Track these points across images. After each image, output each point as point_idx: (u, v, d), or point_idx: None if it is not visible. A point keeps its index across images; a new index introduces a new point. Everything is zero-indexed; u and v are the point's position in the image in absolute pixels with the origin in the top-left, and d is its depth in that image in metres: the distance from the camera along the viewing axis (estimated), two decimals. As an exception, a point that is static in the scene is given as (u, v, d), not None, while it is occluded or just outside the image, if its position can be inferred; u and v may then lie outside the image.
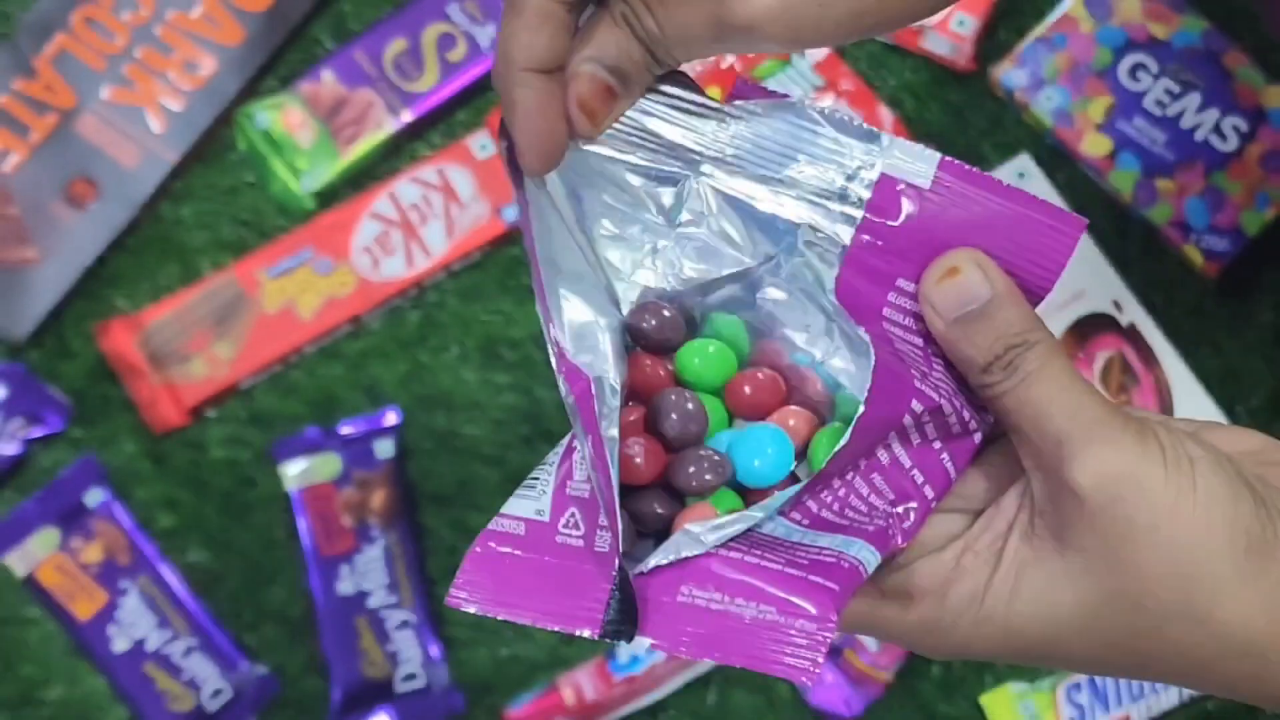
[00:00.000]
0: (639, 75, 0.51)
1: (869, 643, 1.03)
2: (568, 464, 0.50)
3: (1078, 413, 0.49)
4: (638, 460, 0.50)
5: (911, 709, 1.04)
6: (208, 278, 1.08)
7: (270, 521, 1.07)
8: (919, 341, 0.51)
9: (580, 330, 0.50)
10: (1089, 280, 1.05)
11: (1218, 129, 1.06)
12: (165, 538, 1.07)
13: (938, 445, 0.51)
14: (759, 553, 0.49)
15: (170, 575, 1.06)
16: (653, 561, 0.48)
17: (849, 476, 0.50)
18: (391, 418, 1.07)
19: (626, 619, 0.47)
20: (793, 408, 0.52)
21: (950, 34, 1.09)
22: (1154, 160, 1.06)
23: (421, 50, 1.10)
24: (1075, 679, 1.01)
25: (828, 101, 1.09)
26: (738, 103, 0.51)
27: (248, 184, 1.11)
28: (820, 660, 0.47)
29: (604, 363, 0.50)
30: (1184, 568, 0.49)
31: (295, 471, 1.06)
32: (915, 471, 0.51)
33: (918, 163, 0.50)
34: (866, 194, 0.50)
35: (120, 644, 1.05)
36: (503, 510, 0.50)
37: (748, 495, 0.52)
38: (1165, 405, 1.04)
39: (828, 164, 0.51)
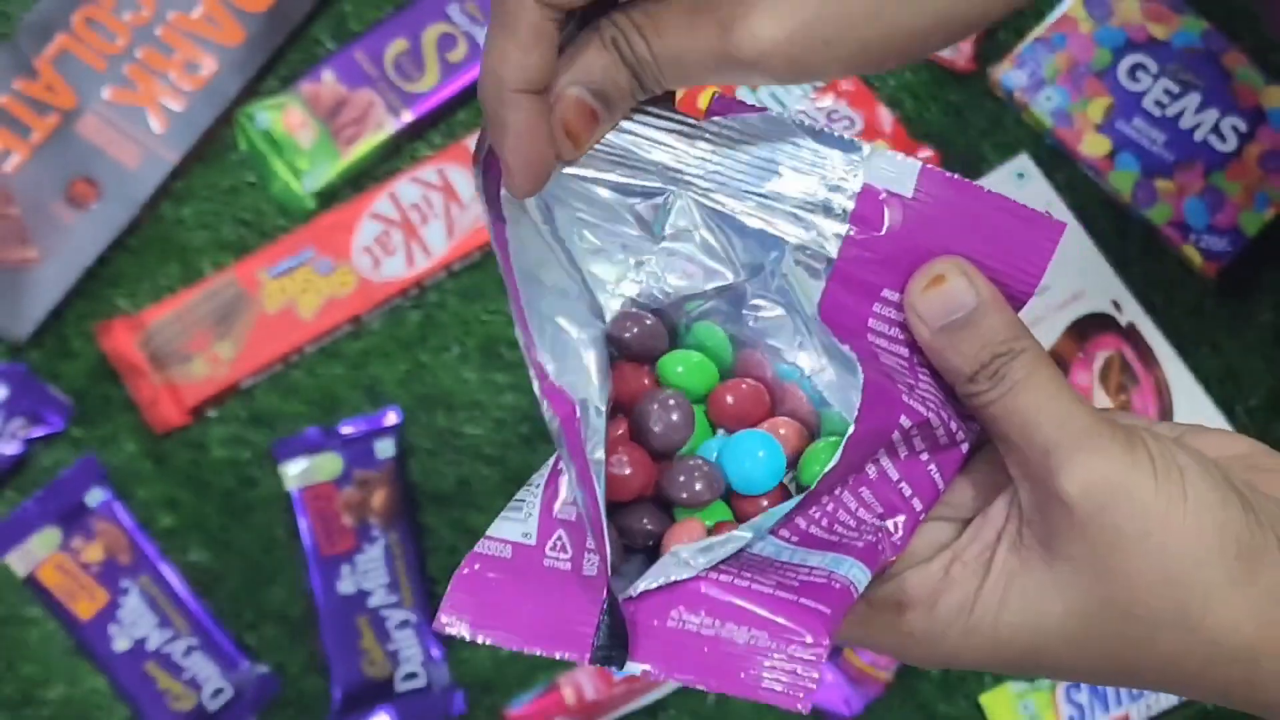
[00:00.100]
0: (622, 100, 0.50)
1: (869, 642, 1.03)
2: (554, 485, 0.50)
3: (1065, 421, 0.48)
4: (625, 472, 0.50)
5: (911, 708, 1.04)
6: (208, 278, 1.08)
7: (271, 521, 1.08)
8: (905, 352, 0.50)
9: (563, 348, 0.49)
10: (1088, 280, 1.05)
11: (1217, 129, 1.06)
12: (166, 537, 1.07)
13: (925, 457, 0.51)
14: (749, 575, 0.48)
15: (171, 575, 1.06)
16: (641, 586, 0.48)
17: (837, 492, 0.50)
18: (392, 417, 1.07)
19: (617, 645, 0.47)
20: (782, 418, 0.52)
21: (950, 34, 1.09)
22: (1153, 160, 1.06)
23: (422, 50, 1.10)
24: (1075, 678, 1.01)
25: (827, 101, 1.09)
26: (716, 118, 0.51)
27: (248, 184, 1.11)
28: (812, 687, 0.47)
29: (588, 383, 0.49)
30: (1174, 575, 0.48)
31: (296, 471, 1.07)
32: (903, 484, 0.51)
33: (899, 172, 0.50)
34: (850, 205, 0.50)
35: (121, 643, 1.05)
36: (489, 533, 0.49)
37: (736, 504, 0.51)
38: (1165, 405, 1.04)
39: (810, 176, 0.50)
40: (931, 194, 0.50)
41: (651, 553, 0.50)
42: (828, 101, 1.09)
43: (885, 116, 1.09)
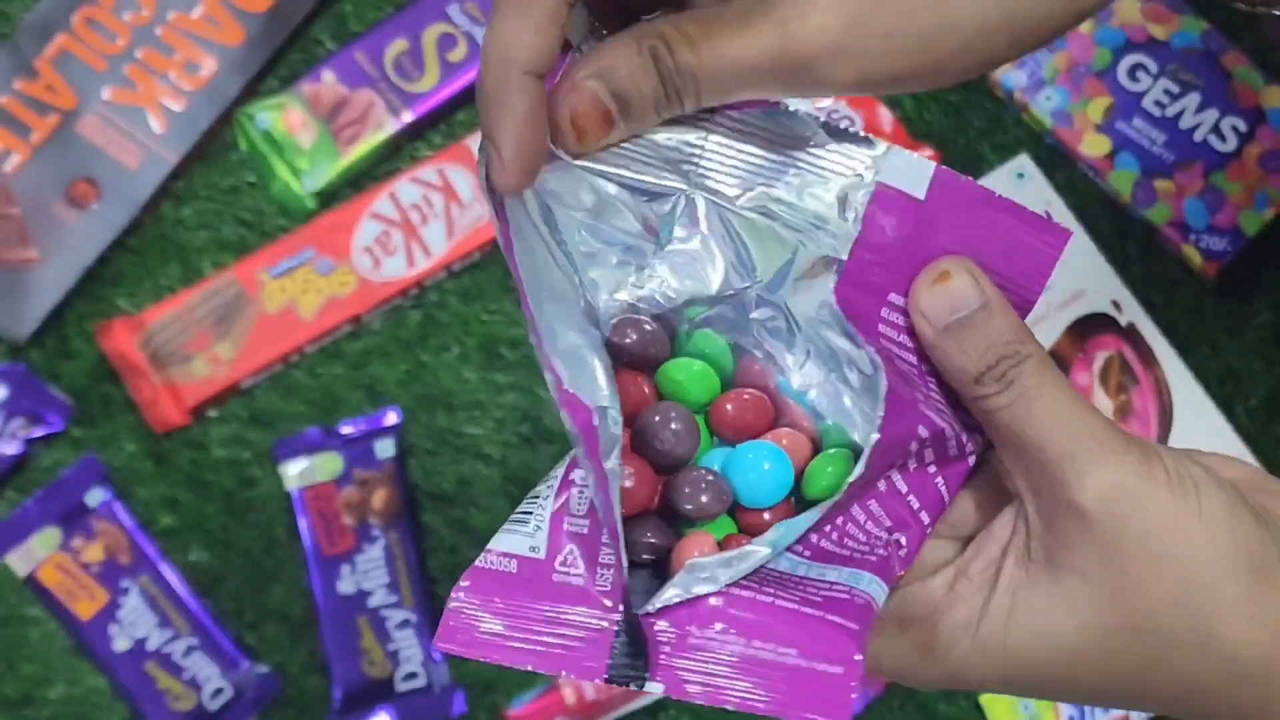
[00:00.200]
0: (643, 107, 0.48)
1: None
2: (565, 497, 0.47)
3: (1080, 431, 0.47)
4: (628, 484, 0.48)
5: (911, 708, 1.04)
6: (209, 278, 1.08)
7: (271, 521, 1.08)
8: (914, 359, 0.49)
9: (571, 354, 0.48)
10: (1088, 280, 1.05)
11: (1217, 129, 1.06)
12: (166, 537, 1.07)
13: (933, 469, 0.50)
14: (771, 590, 0.46)
15: (171, 575, 1.06)
16: (659, 601, 0.46)
17: (847, 505, 0.49)
18: (392, 417, 1.07)
19: (637, 664, 0.45)
20: (785, 429, 0.51)
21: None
22: (1153, 160, 1.06)
23: (422, 51, 1.10)
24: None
25: (828, 100, 1.09)
26: (730, 113, 0.49)
27: (249, 184, 1.11)
28: (850, 705, 0.44)
29: (599, 390, 0.47)
30: (1190, 591, 0.47)
31: (296, 471, 1.07)
32: (911, 497, 0.49)
33: (913, 173, 0.49)
34: (862, 206, 0.49)
35: (121, 643, 1.05)
36: (491, 546, 0.47)
37: (740, 516, 0.50)
38: (1164, 405, 1.04)
39: (824, 174, 0.49)
40: (943, 197, 0.49)
41: (657, 567, 0.48)
42: (828, 100, 1.09)
43: (885, 116, 1.09)
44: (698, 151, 0.50)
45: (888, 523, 0.49)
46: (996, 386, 0.48)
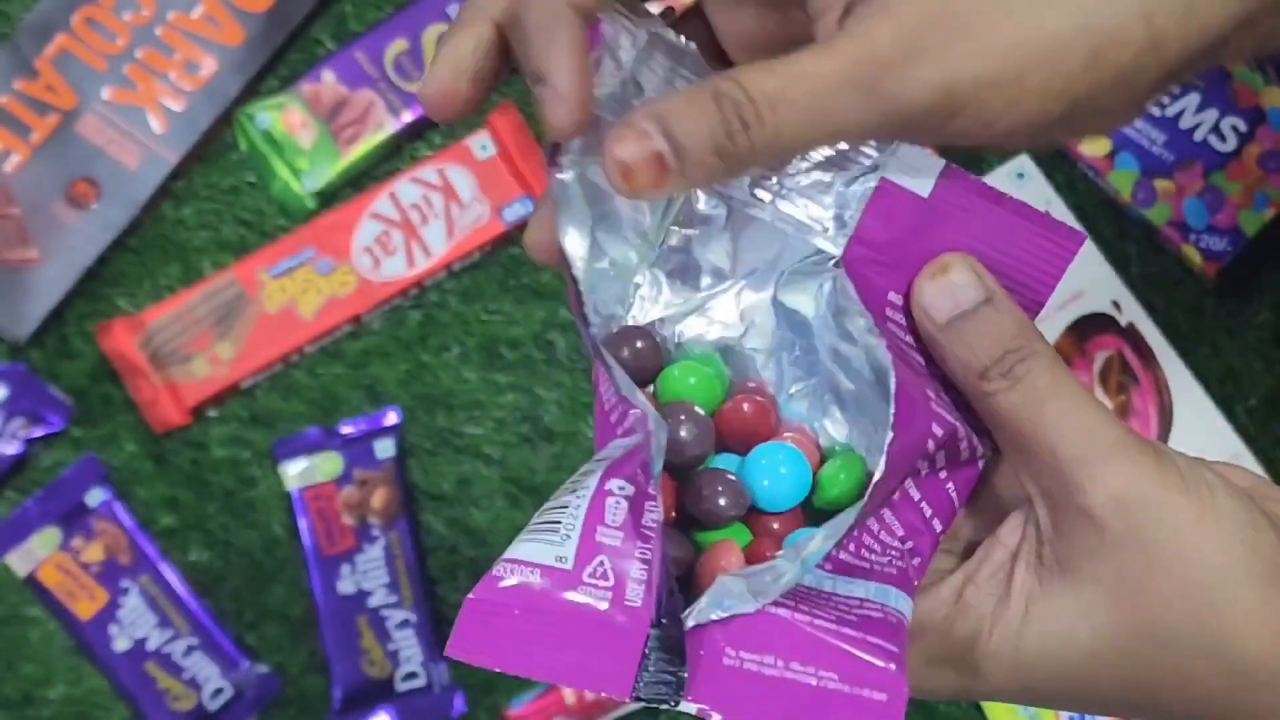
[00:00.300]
0: (701, 155, 0.43)
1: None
2: (599, 507, 0.44)
3: (1094, 434, 0.46)
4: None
5: (912, 708, 1.04)
6: (209, 278, 1.08)
7: (271, 521, 1.08)
8: (919, 359, 0.48)
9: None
10: (1088, 280, 1.05)
11: (1217, 129, 1.06)
12: (166, 537, 1.07)
13: (944, 475, 0.48)
14: (806, 609, 0.45)
15: (171, 575, 1.06)
16: (693, 619, 0.44)
17: (873, 511, 0.47)
18: (392, 417, 1.07)
19: (669, 683, 0.43)
20: (790, 435, 0.49)
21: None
22: (1153, 160, 1.06)
23: (422, 50, 1.10)
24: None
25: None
26: None
27: (249, 184, 1.11)
28: None
29: (641, 398, 0.45)
30: (1208, 599, 0.46)
31: (296, 471, 1.07)
32: (924, 504, 0.48)
33: (919, 170, 0.48)
34: (865, 202, 0.48)
35: (121, 643, 1.05)
36: (510, 555, 0.44)
37: (755, 523, 0.48)
38: (1164, 405, 1.04)
39: (826, 168, 0.48)
40: (949, 196, 0.48)
41: (678, 582, 0.46)
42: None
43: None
44: None
45: (900, 532, 0.47)
46: (1004, 382, 0.47)
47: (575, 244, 0.47)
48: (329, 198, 1.10)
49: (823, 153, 0.48)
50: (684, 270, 0.50)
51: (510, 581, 0.43)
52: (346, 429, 1.07)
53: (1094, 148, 1.07)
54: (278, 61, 1.12)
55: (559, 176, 0.47)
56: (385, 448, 1.07)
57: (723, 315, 0.50)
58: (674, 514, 0.48)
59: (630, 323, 0.50)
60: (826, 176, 0.48)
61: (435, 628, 1.06)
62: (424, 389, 1.08)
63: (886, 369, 0.46)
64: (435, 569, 1.07)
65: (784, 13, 0.50)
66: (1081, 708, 0.49)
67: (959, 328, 0.47)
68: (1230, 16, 0.46)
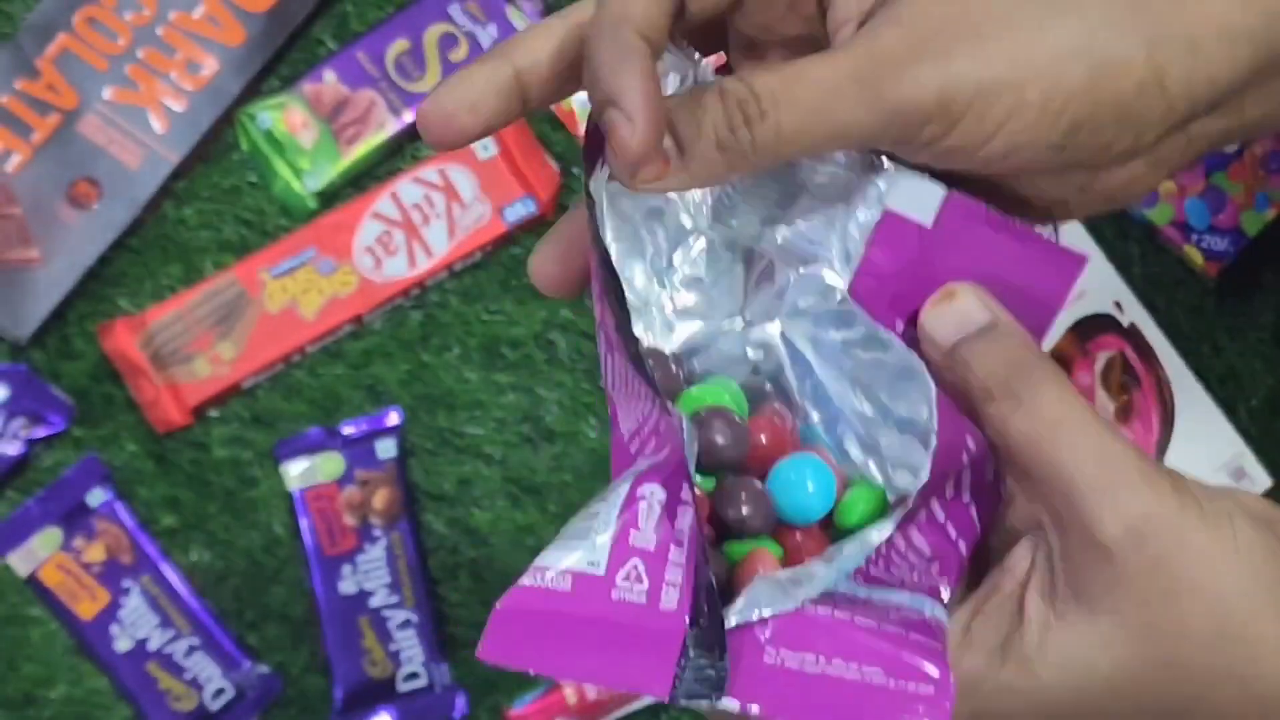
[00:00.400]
0: (705, 149, 0.43)
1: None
2: (631, 512, 0.44)
3: (1109, 463, 0.45)
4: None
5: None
6: (210, 278, 1.08)
7: (272, 521, 1.08)
8: None
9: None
10: (1090, 280, 1.05)
11: (1218, 129, 1.06)
12: (167, 537, 1.07)
13: (966, 498, 0.47)
14: (846, 609, 0.44)
15: (172, 575, 1.06)
16: (732, 618, 0.43)
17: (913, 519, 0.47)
18: (393, 417, 1.07)
19: (709, 681, 0.43)
20: (813, 450, 0.49)
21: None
22: (1155, 161, 1.06)
23: (423, 50, 1.10)
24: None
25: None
26: None
27: (250, 184, 1.11)
28: None
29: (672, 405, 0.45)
30: (1230, 631, 0.45)
31: (297, 471, 1.07)
32: (949, 525, 0.47)
33: (922, 199, 0.47)
34: (869, 234, 0.47)
35: (123, 643, 1.05)
36: (540, 562, 0.44)
37: (782, 539, 0.48)
38: (1166, 405, 1.04)
39: (830, 198, 0.48)
40: (952, 224, 0.47)
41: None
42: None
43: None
44: None
45: (928, 552, 0.47)
46: (1011, 404, 0.46)
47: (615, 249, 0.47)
48: (330, 198, 1.10)
49: (828, 183, 0.48)
50: (695, 304, 0.50)
51: (541, 585, 0.43)
52: (348, 429, 1.07)
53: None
54: (279, 61, 1.12)
55: (596, 190, 0.47)
56: (386, 448, 1.07)
57: (734, 349, 0.50)
58: (707, 529, 0.47)
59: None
60: (831, 210, 0.48)
61: (437, 628, 1.06)
62: (425, 389, 1.08)
63: (914, 371, 0.46)
64: (436, 569, 1.07)
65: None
66: None
67: (964, 351, 0.46)
68: (1238, 65, 0.46)
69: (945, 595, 0.46)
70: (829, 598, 0.44)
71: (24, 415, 1.07)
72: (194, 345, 1.07)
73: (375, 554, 1.06)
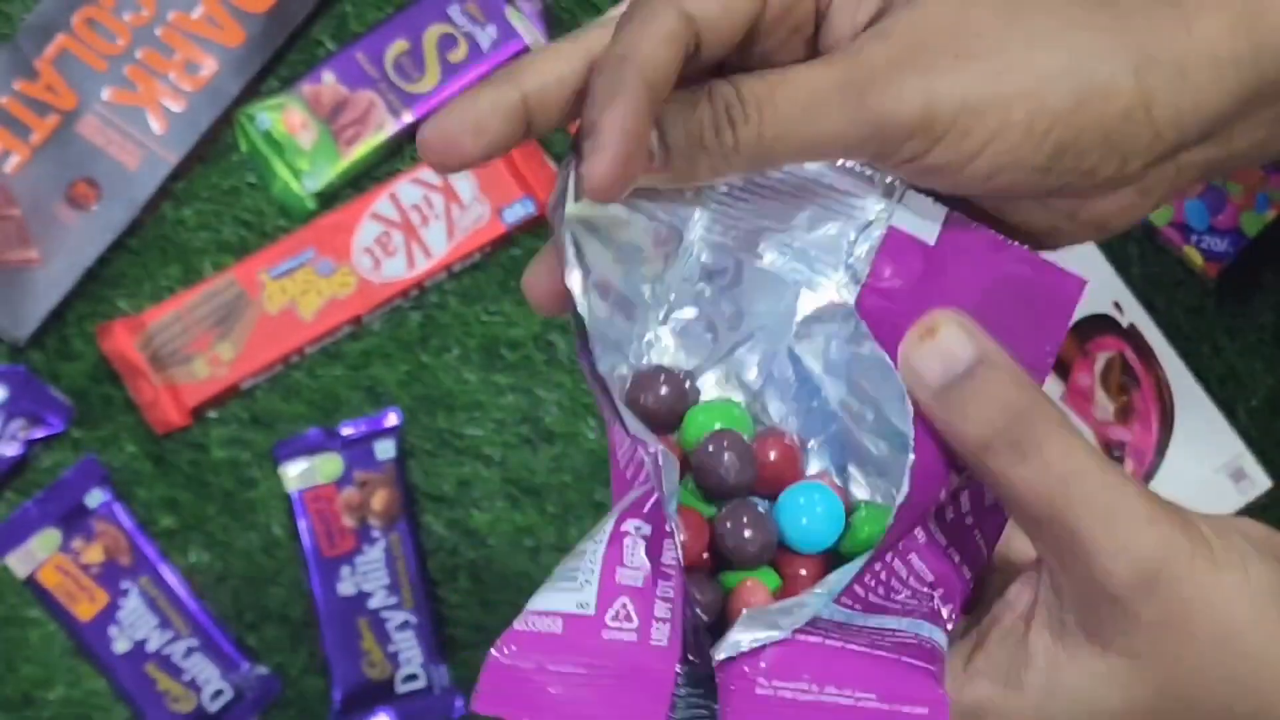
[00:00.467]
0: (690, 146, 0.43)
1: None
2: (616, 549, 0.44)
3: (1116, 506, 0.44)
4: (681, 539, 0.44)
5: None
6: (209, 278, 1.08)
7: (271, 522, 1.08)
8: None
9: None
10: (1089, 281, 1.05)
11: (1218, 130, 1.06)
12: (166, 538, 1.07)
13: (970, 521, 0.47)
14: (839, 635, 0.44)
15: (171, 576, 1.06)
16: (722, 651, 0.43)
17: (888, 558, 0.46)
18: (392, 418, 1.07)
19: (706, 716, 0.43)
20: (819, 478, 0.48)
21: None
22: (1154, 161, 1.06)
23: (423, 51, 1.10)
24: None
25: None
26: None
27: (249, 185, 1.11)
28: None
29: (653, 437, 0.44)
30: (1243, 669, 0.45)
31: (296, 472, 1.06)
32: (952, 550, 0.46)
33: (925, 217, 0.47)
34: (873, 253, 0.47)
35: (121, 645, 1.05)
36: (532, 607, 0.43)
37: (783, 568, 0.47)
38: (1166, 406, 1.04)
39: (834, 217, 0.47)
40: (953, 243, 0.46)
41: (712, 625, 0.46)
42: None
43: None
44: (700, 196, 0.47)
45: (930, 578, 0.46)
46: (1011, 455, 0.44)
47: (577, 285, 0.46)
48: (329, 198, 1.10)
49: (832, 201, 0.47)
50: (696, 325, 0.49)
51: (532, 632, 0.43)
52: (347, 430, 1.07)
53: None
54: (278, 62, 1.12)
55: (566, 223, 0.46)
56: (385, 449, 1.07)
57: (738, 369, 0.49)
58: (706, 555, 0.46)
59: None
60: (835, 228, 0.47)
61: (435, 629, 1.06)
62: (424, 390, 1.08)
63: (903, 418, 0.45)
64: (435, 570, 1.07)
65: None
66: None
67: (954, 395, 0.45)
68: (1227, 94, 0.45)
69: (948, 621, 0.46)
70: (821, 625, 0.44)
71: (23, 416, 1.07)
72: (193, 346, 1.07)
73: (374, 555, 1.06)
